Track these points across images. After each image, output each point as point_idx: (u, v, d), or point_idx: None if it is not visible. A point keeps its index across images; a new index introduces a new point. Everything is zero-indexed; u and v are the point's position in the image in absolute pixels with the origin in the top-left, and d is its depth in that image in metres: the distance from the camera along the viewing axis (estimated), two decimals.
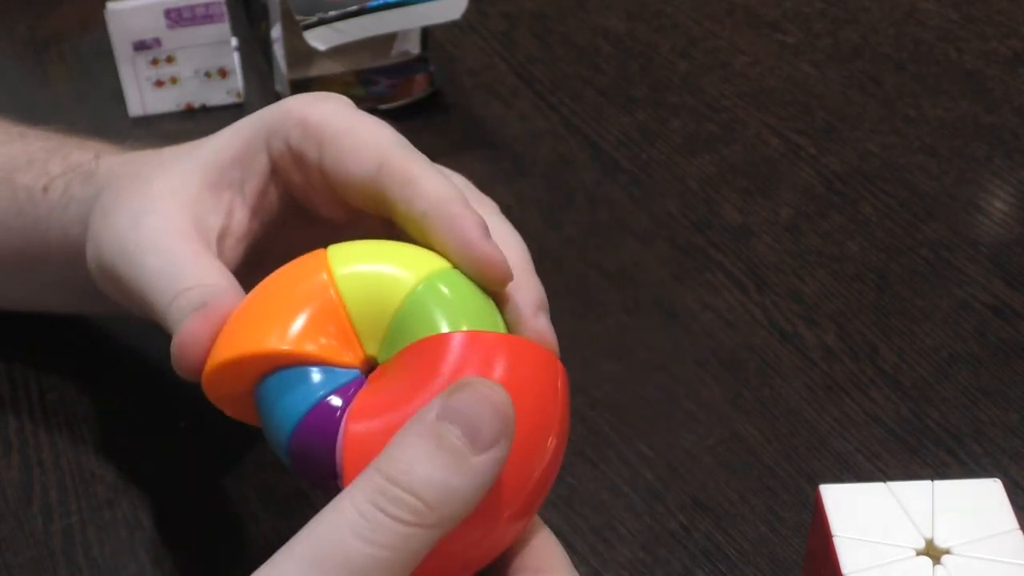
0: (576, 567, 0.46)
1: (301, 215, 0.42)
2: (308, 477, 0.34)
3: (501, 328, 0.35)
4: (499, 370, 0.33)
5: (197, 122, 0.68)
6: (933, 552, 0.38)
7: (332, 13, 0.63)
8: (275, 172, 0.41)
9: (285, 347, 0.34)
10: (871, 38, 0.76)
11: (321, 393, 0.34)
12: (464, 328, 0.34)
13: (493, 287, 0.36)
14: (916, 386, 0.54)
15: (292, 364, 0.34)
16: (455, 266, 0.35)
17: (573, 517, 0.48)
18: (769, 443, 0.51)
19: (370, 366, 0.35)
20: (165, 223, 0.39)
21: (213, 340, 0.35)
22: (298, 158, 0.40)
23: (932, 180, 0.65)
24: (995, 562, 0.37)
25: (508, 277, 0.35)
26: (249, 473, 0.49)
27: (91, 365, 0.53)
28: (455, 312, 0.34)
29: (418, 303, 0.34)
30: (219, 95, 0.69)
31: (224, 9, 0.66)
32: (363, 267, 0.35)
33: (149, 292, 0.38)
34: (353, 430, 0.32)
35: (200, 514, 0.48)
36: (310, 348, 0.34)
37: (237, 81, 0.69)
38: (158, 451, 0.50)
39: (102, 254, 0.41)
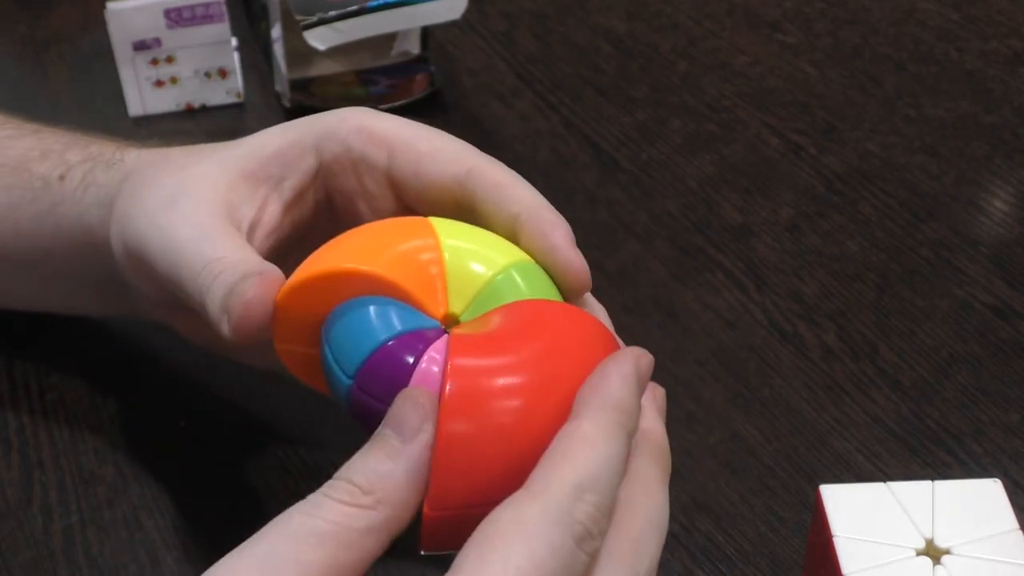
0: None
1: (332, 219, 0.43)
2: (370, 409, 0.34)
3: None
4: (584, 330, 0.35)
5: (197, 122, 0.68)
6: (933, 552, 0.38)
7: (332, 13, 0.63)
8: (320, 175, 0.42)
9: (386, 273, 0.35)
10: (871, 38, 0.76)
11: (406, 327, 0.35)
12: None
13: (570, 294, 0.38)
14: (916, 386, 0.54)
15: (381, 294, 0.35)
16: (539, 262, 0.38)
17: None
18: (769, 443, 0.51)
19: (450, 322, 0.36)
20: (199, 204, 0.40)
21: (273, 304, 0.36)
22: (357, 162, 0.41)
23: (932, 180, 0.65)
24: (995, 562, 0.37)
25: (588, 285, 0.38)
26: (249, 473, 0.49)
27: (91, 365, 0.53)
28: (542, 294, 0.37)
29: (509, 280, 0.36)
30: (219, 95, 0.69)
31: (224, 9, 0.66)
32: (463, 238, 0.37)
33: (180, 261, 0.39)
34: (458, 363, 0.33)
35: (200, 514, 0.48)
36: (406, 284, 0.36)
37: (237, 81, 0.69)
38: (158, 451, 0.50)
39: (129, 230, 0.41)
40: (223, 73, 0.68)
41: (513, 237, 0.39)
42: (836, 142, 0.68)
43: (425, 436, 0.32)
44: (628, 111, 0.70)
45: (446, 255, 0.36)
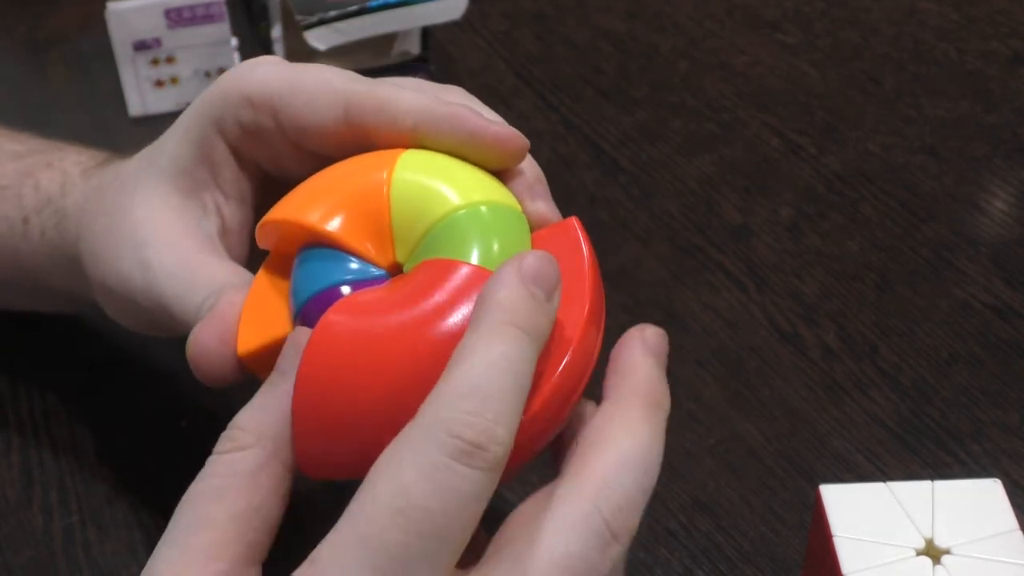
0: None
1: (276, 185, 0.42)
2: None
3: None
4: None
5: None
6: (933, 552, 0.38)
7: (332, 13, 0.63)
8: (237, 154, 0.41)
9: (321, 226, 0.35)
10: (871, 38, 0.76)
11: (339, 278, 0.34)
12: (480, 263, 0.33)
13: (513, 161, 0.37)
14: (916, 386, 0.54)
15: (328, 245, 0.35)
16: (503, 201, 0.36)
17: None
18: (769, 443, 0.51)
19: (397, 271, 0.35)
20: (163, 248, 0.40)
21: (224, 343, 0.36)
22: (256, 132, 0.40)
23: (932, 180, 0.65)
24: (995, 562, 0.37)
25: (526, 144, 0.36)
26: None
27: (91, 365, 0.53)
28: (479, 245, 0.34)
29: (453, 225, 0.34)
30: None
31: (224, 9, 0.66)
32: (422, 176, 0.35)
33: (176, 316, 0.39)
34: (324, 323, 0.32)
35: None
36: (345, 236, 0.35)
37: None
38: (158, 451, 0.50)
39: (115, 298, 0.42)
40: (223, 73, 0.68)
41: (426, 145, 0.37)
42: (836, 142, 0.68)
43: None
44: (628, 111, 0.70)
45: (394, 195, 0.35)
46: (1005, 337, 0.56)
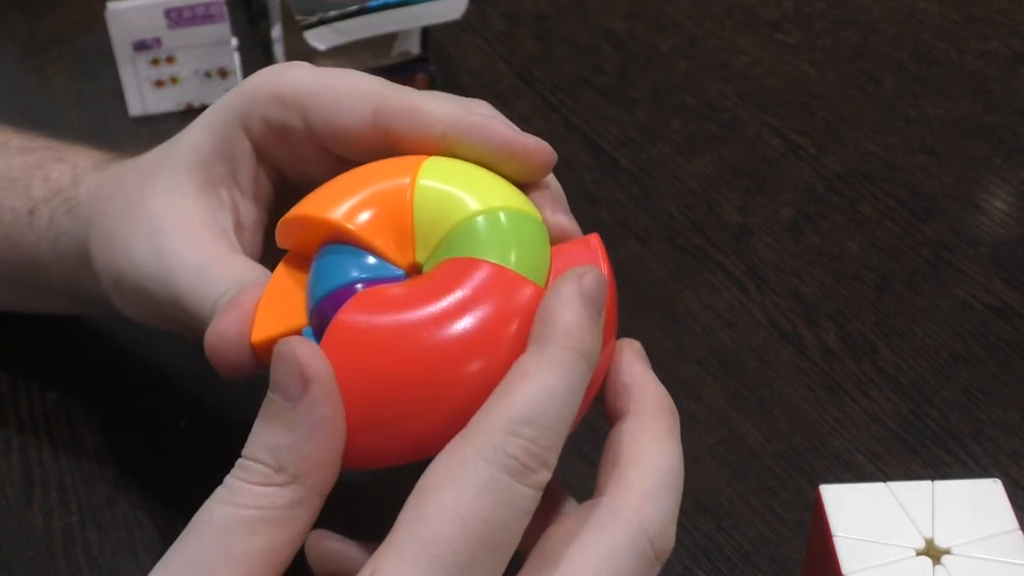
0: None
1: (292, 190, 0.42)
2: None
3: (541, 280, 0.35)
4: (510, 310, 0.33)
5: None
6: (933, 552, 0.38)
7: (332, 13, 0.63)
8: (259, 154, 0.41)
9: (344, 223, 0.35)
10: (871, 38, 0.76)
11: (357, 275, 0.35)
12: (499, 263, 0.34)
13: (540, 174, 0.37)
14: (916, 386, 0.54)
15: (349, 243, 0.35)
16: (522, 207, 0.36)
17: None
18: (769, 443, 0.51)
19: (415, 271, 0.36)
20: (180, 239, 0.39)
21: (243, 333, 0.36)
22: (281, 132, 0.40)
23: (932, 180, 0.65)
24: (995, 562, 0.37)
25: (554, 157, 0.37)
26: None
27: (91, 365, 0.53)
28: (500, 246, 0.34)
29: (472, 227, 0.35)
30: (219, 95, 0.68)
31: (224, 9, 0.66)
32: (445, 183, 0.36)
33: (190, 309, 0.39)
34: (342, 317, 0.33)
35: None
36: (367, 234, 0.35)
37: (237, 81, 0.69)
38: (158, 451, 0.50)
39: (125, 286, 0.41)
40: (223, 73, 0.68)
41: (455, 153, 0.37)
42: (836, 142, 0.68)
43: (316, 392, 0.31)
44: (628, 111, 0.70)
45: (417, 200, 0.35)
46: (1005, 337, 0.56)
